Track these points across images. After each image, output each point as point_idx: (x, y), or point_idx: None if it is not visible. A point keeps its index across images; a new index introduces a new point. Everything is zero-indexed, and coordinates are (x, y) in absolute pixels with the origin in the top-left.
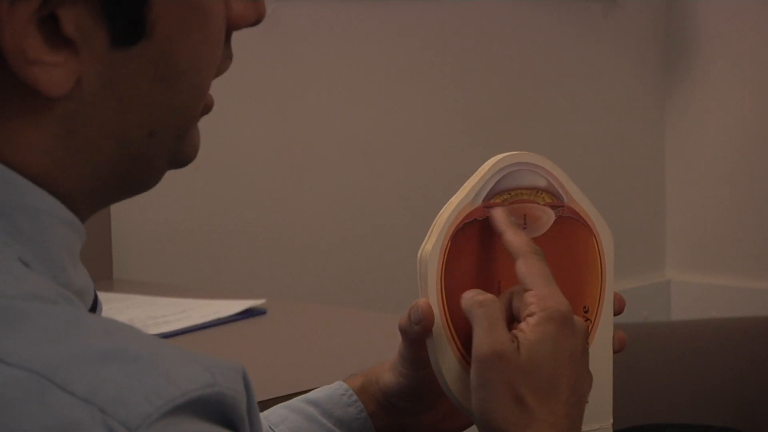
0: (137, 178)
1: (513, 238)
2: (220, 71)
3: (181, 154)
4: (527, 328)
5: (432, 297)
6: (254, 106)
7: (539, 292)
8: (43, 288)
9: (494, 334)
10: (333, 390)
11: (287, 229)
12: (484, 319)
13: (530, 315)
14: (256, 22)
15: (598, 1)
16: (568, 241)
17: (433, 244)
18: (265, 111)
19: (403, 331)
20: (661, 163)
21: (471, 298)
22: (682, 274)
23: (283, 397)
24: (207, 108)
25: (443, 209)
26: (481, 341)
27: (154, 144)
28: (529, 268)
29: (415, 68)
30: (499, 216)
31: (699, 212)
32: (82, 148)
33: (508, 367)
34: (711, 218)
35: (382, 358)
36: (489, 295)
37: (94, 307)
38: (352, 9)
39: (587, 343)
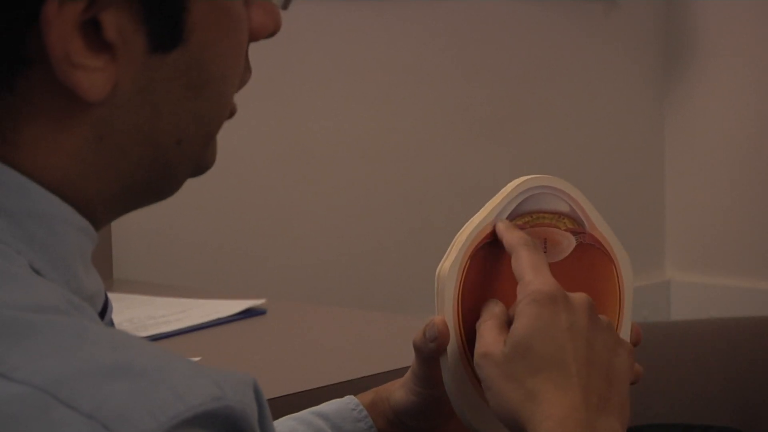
0: (159, 186)
1: (508, 236)
2: (241, 83)
3: (203, 163)
4: (514, 318)
5: (448, 315)
6: (255, 106)
7: (524, 281)
8: (54, 297)
9: (482, 339)
10: (343, 404)
11: (287, 229)
12: (483, 328)
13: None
14: (273, 33)
15: (599, 1)
16: (587, 268)
17: (451, 262)
18: (266, 111)
19: (417, 348)
20: (661, 163)
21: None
22: (682, 274)
23: (282, 397)
24: (231, 113)
25: (463, 228)
26: (475, 351)
27: (181, 153)
28: (518, 261)
29: (415, 68)
30: (501, 224)
31: (699, 212)
32: (111, 154)
33: (494, 361)
34: (711, 218)
35: (382, 357)
36: (496, 308)
37: (105, 308)
38: (353, 10)
39: (596, 314)
